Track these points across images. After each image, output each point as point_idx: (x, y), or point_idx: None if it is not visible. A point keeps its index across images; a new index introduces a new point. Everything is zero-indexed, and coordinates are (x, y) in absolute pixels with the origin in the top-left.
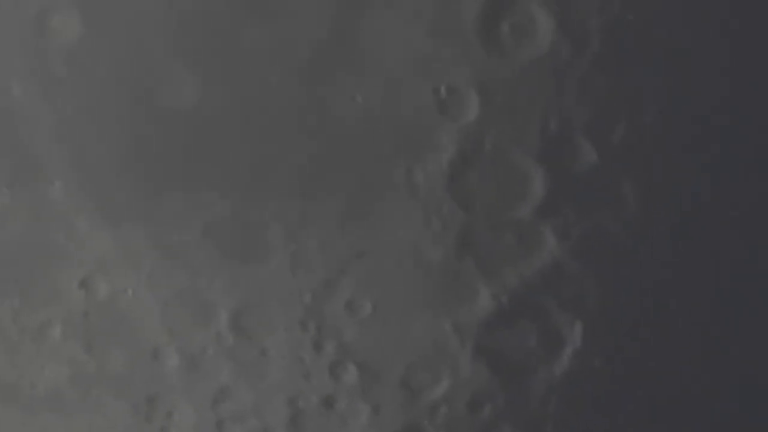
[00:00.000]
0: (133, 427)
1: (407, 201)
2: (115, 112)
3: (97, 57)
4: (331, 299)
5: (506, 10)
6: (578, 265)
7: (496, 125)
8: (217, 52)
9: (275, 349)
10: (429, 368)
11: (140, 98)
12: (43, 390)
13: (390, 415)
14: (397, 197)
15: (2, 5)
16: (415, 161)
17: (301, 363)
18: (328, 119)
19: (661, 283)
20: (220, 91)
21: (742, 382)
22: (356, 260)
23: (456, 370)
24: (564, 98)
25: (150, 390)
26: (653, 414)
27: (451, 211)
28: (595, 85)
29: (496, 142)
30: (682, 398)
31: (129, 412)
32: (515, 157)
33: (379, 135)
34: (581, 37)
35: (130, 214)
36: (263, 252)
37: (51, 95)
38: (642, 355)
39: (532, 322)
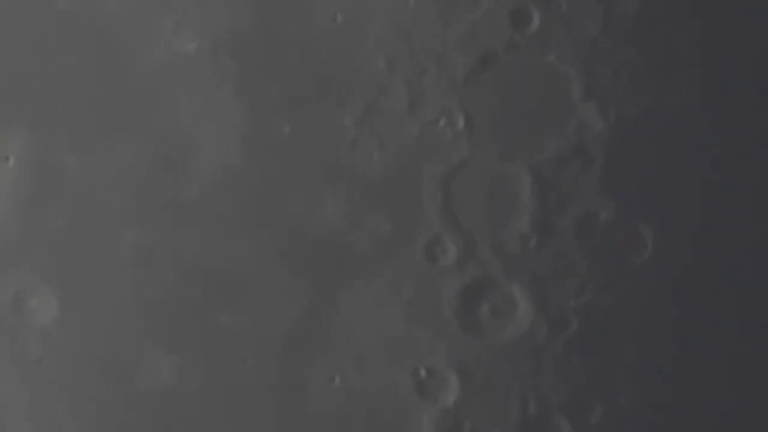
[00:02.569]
0: None
1: None
2: (91, 392)
3: (72, 337)
4: None
5: (486, 292)
6: None
7: (475, 406)
8: (194, 334)
9: None
10: None
11: (117, 379)
12: None
13: None
14: None
15: None
16: None
17: None
18: (305, 401)
19: None
20: (197, 372)
21: None
22: None
23: None
24: (542, 379)
25: None
26: None
27: None
28: (573, 366)
29: (476, 423)
30: None
31: None
32: None
33: (356, 417)
34: (559, 319)
35: None
36: None
37: (27, 375)
38: None
39: None
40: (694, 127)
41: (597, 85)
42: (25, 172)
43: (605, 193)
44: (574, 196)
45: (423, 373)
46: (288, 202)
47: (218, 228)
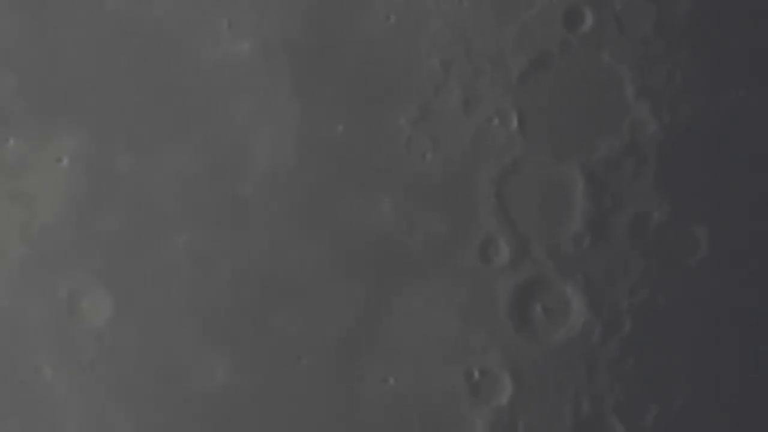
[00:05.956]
0: None
1: None
2: (145, 394)
3: (126, 339)
4: None
5: (539, 293)
6: None
7: (528, 407)
8: (248, 336)
9: None
10: None
11: (171, 380)
12: None
13: None
14: None
15: (34, 286)
16: None
17: None
18: (359, 402)
19: None
20: (252, 374)
21: None
22: None
23: None
24: (596, 380)
25: None
26: None
27: None
28: (627, 367)
29: (529, 424)
30: None
31: None
32: None
33: (410, 418)
34: (613, 320)
35: None
36: None
37: (81, 377)
38: None
39: None
40: (748, 126)
41: (650, 85)
42: (80, 173)
43: (659, 193)
44: (628, 196)
45: (476, 374)
46: (342, 202)
47: (273, 229)
